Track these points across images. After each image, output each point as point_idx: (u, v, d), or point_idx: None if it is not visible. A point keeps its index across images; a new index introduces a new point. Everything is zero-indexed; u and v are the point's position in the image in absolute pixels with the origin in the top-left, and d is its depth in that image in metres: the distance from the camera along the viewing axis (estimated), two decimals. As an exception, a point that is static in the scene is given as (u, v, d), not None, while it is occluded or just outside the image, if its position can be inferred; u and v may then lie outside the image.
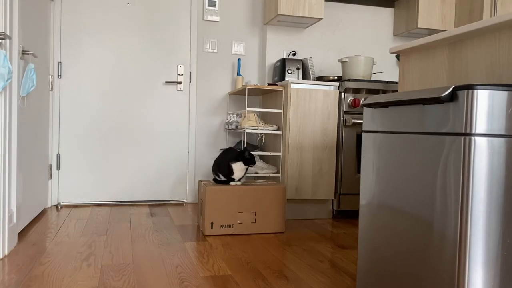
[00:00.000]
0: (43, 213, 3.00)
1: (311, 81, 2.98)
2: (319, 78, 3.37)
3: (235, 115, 3.21)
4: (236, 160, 2.53)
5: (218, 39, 3.52)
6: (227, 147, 2.65)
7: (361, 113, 3.05)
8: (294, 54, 3.55)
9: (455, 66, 1.68)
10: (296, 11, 3.21)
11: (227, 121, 3.31)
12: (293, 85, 2.95)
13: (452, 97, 1.14)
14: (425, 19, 3.47)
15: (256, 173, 3.02)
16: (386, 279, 1.41)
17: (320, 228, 2.78)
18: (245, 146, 2.75)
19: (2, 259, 1.99)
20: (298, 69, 3.30)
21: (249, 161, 2.52)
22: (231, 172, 2.55)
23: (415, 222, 1.28)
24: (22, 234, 2.41)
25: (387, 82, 3.09)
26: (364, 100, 1.56)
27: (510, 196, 1.11)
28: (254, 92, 3.30)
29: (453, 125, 1.14)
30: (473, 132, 1.09)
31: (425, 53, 1.84)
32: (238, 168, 2.54)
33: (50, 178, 3.23)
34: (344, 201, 3.05)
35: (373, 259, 1.50)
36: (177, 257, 2.09)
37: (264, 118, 3.43)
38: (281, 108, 3.04)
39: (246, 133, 3.35)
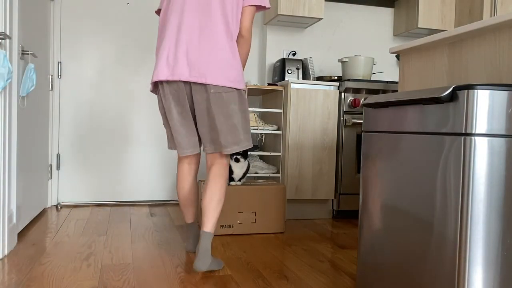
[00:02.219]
0: (43, 213, 3.00)
1: (311, 81, 2.98)
2: (319, 78, 3.37)
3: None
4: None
5: (218, 39, 3.52)
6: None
7: (361, 113, 3.05)
8: (294, 54, 3.55)
9: (455, 66, 1.68)
10: (296, 11, 3.21)
11: (227, 121, 3.30)
12: (293, 85, 2.95)
13: (452, 97, 1.14)
14: (425, 19, 3.47)
15: (256, 173, 3.02)
16: (386, 279, 1.41)
17: (320, 228, 2.78)
18: None
19: (2, 259, 1.99)
20: (298, 69, 3.30)
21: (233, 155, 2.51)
22: (230, 171, 2.55)
23: (415, 222, 1.28)
24: (22, 234, 2.41)
25: (387, 82, 3.09)
26: (364, 100, 1.56)
27: (510, 196, 1.11)
28: (254, 92, 3.30)
29: (453, 125, 1.14)
30: (473, 132, 1.09)
31: (425, 53, 1.84)
32: (235, 166, 2.53)
33: (50, 178, 3.23)
34: (344, 201, 3.05)
35: (373, 259, 1.50)
36: (177, 257, 2.09)
37: (264, 118, 3.43)
38: (281, 108, 3.04)
39: (246, 133, 3.35)
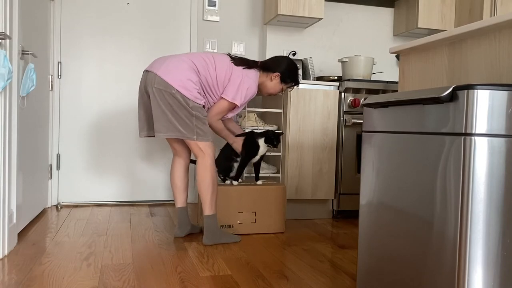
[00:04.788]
0: (43, 213, 3.00)
1: (311, 81, 2.98)
2: (319, 78, 3.37)
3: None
4: (261, 137, 2.56)
5: (218, 39, 3.52)
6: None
7: (361, 113, 3.05)
8: (294, 54, 3.55)
9: (455, 66, 1.68)
10: (296, 11, 3.21)
11: (227, 121, 3.30)
12: (293, 85, 2.94)
13: (452, 97, 1.14)
14: (425, 19, 3.47)
15: (256, 173, 3.02)
16: (386, 279, 1.41)
17: (320, 228, 2.78)
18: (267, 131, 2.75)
19: (2, 259, 1.99)
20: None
21: (272, 140, 2.55)
22: (257, 145, 2.55)
23: (415, 222, 1.28)
24: (22, 234, 2.41)
25: (387, 82, 3.08)
26: (364, 100, 1.56)
27: (510, 196, 1.11)
28: (254, 92, 3.30)
29: (453, 125, 1.14)
30: (473, 132, 1.09)
31: (425, 53, 1.84)
32: (262, 144, 2.56)
33: (50, 178, 3.23)
34: (344, 201, 3.05)
35: (373, 259, 1.50)
36: (177, 257, 2.09)
37: (264, 118, 3.42)
38: (281, 108, 3.04)
39: (246, 133, 3.35)
